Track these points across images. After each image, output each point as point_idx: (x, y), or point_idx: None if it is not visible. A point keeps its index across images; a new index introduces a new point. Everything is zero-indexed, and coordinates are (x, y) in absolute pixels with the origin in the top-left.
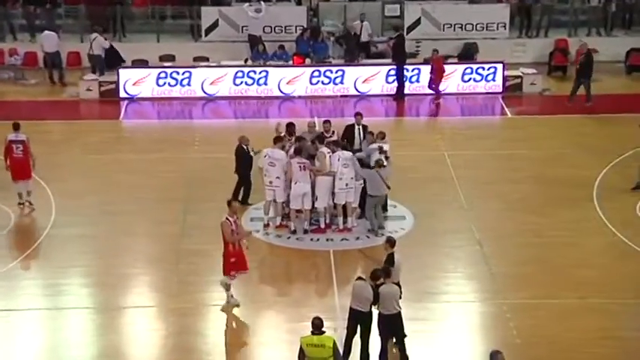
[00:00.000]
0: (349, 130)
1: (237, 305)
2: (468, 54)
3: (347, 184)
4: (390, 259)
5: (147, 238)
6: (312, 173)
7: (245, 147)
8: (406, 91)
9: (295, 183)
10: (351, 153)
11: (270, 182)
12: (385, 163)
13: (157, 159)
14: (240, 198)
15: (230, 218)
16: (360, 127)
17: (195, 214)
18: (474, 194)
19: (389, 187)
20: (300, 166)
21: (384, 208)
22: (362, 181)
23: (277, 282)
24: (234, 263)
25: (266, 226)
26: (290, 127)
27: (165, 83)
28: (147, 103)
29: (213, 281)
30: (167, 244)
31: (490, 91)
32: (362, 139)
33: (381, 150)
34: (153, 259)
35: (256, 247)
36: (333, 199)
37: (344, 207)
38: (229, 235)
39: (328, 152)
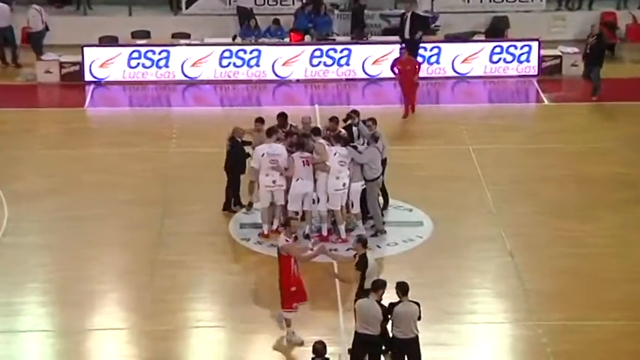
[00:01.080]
0: (346, 131)
1: (301, 344)
2: (497, 30)
3: (344, 184)
4: (363, 262)
5: (117, 248)
6: (314, 168)
7: (240, 140)
8: (423, 73)
9: (297, 180)
10: (347, 150)
11: (274, 182)
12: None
13: (128, 154)
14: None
15: (290, 240)
16: (358, 126)
17: (175, 219)
18: (503, 196)
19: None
20: (303, 161)
21: (385, 200)
22: (363, 182)
23: (271, 299)
24: (294, 293)
25: (265, 236)
26: (281, 118)
27: (138, 64)
28: (117, 88)
29: (194, 299)
30: (141, 254)
31: (523, 73)
32: (359, 139)
33: (366, 122)
34: (124, 272)
35: (247, 259)
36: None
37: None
38: (302, 256)
39: (327, 144)
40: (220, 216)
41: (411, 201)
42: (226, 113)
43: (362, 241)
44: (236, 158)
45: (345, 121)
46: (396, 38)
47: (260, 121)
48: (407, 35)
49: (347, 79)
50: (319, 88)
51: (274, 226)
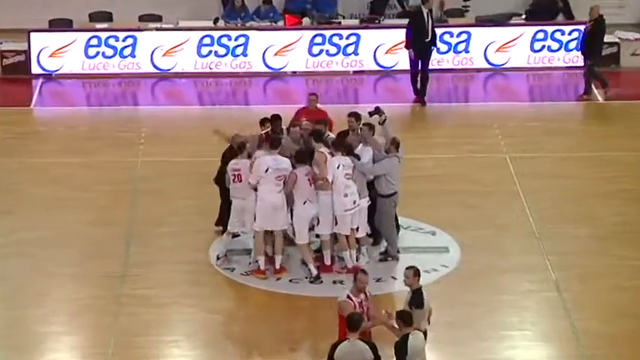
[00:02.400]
0: (342, 137)
1: None
2: (540, 11)
3: (355, 202)
4: (418, 298)
5: (72, 280)
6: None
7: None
8: (449, 64)
9: (305, 203)
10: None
11: (283, 200)
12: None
13: (86, 164)
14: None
15: (354, 298)
16: (362, 132)
17: (143, 245)
18: (548, 215)
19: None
20: (309, 180)
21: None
22: (368, 198)
23: (262, 344)
24: None
25: (260, 272)
26: (275, 121)
27: (97, 54)
28: (71, 83)
29: (166, 343)
30: (102, 288)
31: (572, 64)
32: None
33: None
34: (81, 310)
35: (232, 293)
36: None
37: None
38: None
39: (329, 153)
40: (199, 240)
41: (434, 222)
42: (207, 114)
43: (416, 272)
44: None
45: (370, 115)
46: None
47: (268, 122)
48: (429, 37)
49: (355, 72)
50: (321, 82)
51: (277, 264)
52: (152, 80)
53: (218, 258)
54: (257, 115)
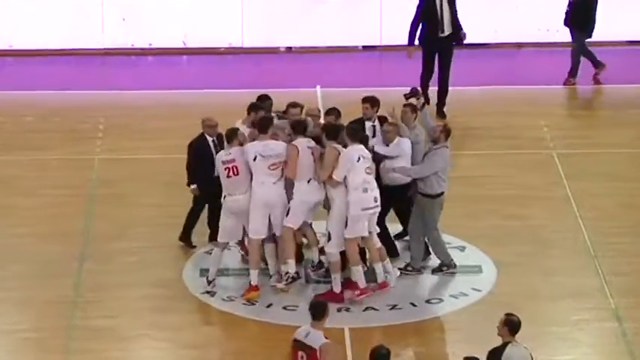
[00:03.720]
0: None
1: None
2: None
3: (376, 199)
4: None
5: (12, 307)
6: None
7: (211, 140)
8: (480, 38)
9: (308, 181)
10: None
11: (283, 194)
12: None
13: (30, 163)
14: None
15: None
16: (375, 121)
17: (100, 263)
18: (606, 229)
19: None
20: (312, 154)
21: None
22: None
23: None
24: None
25: (253, 289)
26: (264, 101)
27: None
28: (13, 61)
29: None
30: (48, 316)
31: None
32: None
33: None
34: (21, 345)
35: (212, 323)
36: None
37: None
38: None
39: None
40: (170, 257)
41: (464, 234)
42: (180, 99)
43: (512, 326)
44: (203, 166)
45: (406, 99)
46: None
47: (265, 99)
48: (445, 30)
49: (365, 47)
50: (321, 60)
51: (273, 281)
52: (114, 57)
53: (209, 282)
54: (245, 100)
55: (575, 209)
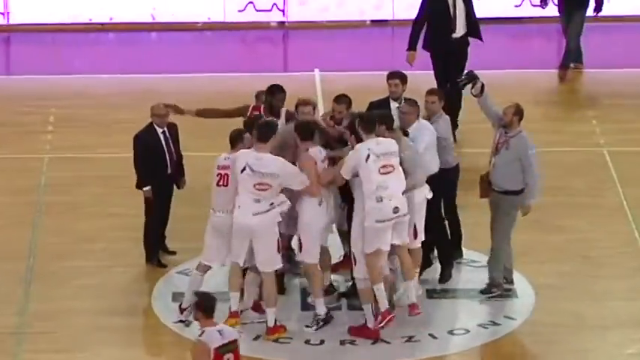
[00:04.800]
0: (380, 109)
1: None
2: None
3: (396, 210)
4: None
5: None
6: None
7: (161, 131)
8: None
9: (320, 203)
10: (393, 142)
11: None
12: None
13: None
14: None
15: None
16: (402, 102)
17: (50, 286)
18: None
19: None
20: (325, 167)
21: (457, 240)
22: (428, 188)
23: None
24: None
25: (232, 316)
26: (275, 94)
27: None
28: None
29: None
30: None
31: None
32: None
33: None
34: None
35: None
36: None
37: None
38: None
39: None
40: (136, 279)
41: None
42: (147, 85)
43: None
44: (150, 164)
45: (462, 86)
46: None
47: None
48: (460, 31)
49: (373, 22)
50: (321, 38)
51: (271, 320)
52: (66, 35)
53: (182, 310)
54: (229, 87)
55: (630, 220)
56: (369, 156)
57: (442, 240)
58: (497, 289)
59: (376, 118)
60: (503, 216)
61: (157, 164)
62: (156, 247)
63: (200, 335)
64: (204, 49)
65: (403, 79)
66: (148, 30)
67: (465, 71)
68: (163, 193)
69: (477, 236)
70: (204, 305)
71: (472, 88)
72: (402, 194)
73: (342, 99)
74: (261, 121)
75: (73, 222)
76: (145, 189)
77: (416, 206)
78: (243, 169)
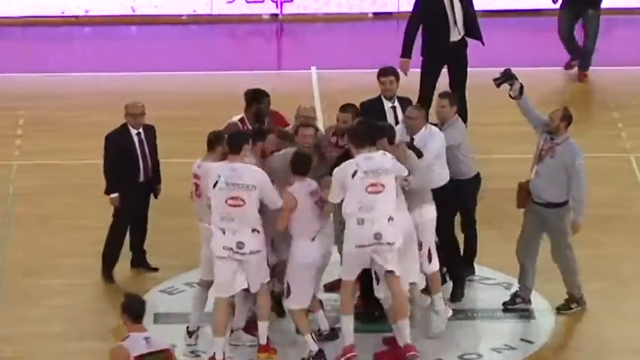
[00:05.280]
0: (371, 109)
1: None
2: None
3: (378, 237)
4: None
5: None
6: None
7: (135, 133)
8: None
9: (313, 239)
10: (388, 158)
11: (239, 244)
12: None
13: None
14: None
15: None
16: (395, 102)
17: (16, 306)
18: None
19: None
20: (316, 203)
21: (471, 255)
22: (433, 208)
23: None
24: None
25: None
26: (260, 99)
27: None
28: None
29: None
30: None
31: None
32: (397, 124)
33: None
34: None
35: None
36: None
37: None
38: None
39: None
40: (108, 298)
41: (510, 267)
42: (127, 84)
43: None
44: (124, 168)
45: (498, 85)
46: None
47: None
48: (458, 35)
49: (375, 14)
50: (319, 32)
51: (263, 338)
52: (35, 29)
53: (189, 334)
54: (217, 87)
55: None
56: (355, 172)
57: (454, 256)
58: (578, 304)
59: (370, 131)
60: (556, 233)
61: (129, 169)
62: (113, 261)
63: (123, 340)
64: (190, 44)
65: (397, 75)
66: (128, 23)
67: (505, 68)
68: (135, 202)
69: (486, 251)
70: (132, 309)
71: (510, 89)
72: (389, 221)
73: (348, 108)
74: (230, 131)
75: (43, 235)
76: (111, 196)
77: (427, 224)
78: (215, 183)
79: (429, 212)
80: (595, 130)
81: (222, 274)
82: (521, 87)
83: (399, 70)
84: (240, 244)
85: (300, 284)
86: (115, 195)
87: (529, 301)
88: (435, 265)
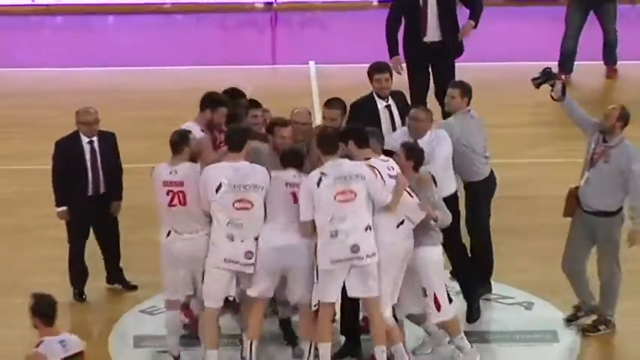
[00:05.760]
0: (363, 110)
1: None
2: None
3: (355, 249)
4: None
5: None
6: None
7: (87, 141)
8: None
9: (273, 223)
10: (358, 164)
11: (248, 253)
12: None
13: None
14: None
15: None
16: (389, 100)
17: None
18: None
19: (435, 220)
20: (293, 193)
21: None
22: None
23: None
24: None
25: None
26: (234, 98)
27: None
28: None
29: None
30: None
31: None
32: (394, 125)
33: None
34: None
35: None
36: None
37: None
38: None
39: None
40: (83, 320)
41: (533, 285)
42: (103, 80)
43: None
44: (74, 180)
45: (537, 85)
46: None
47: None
48: (432, 35)
49: (380, 2)
50: (318, 22)
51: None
52: (6, 20)
53: (176, 359)
54: (205, 84)
55: None
56: (320, 180)
57: (465, 269)
58: (607, 326)
59: (340, 135)
60: (605, 244)
61: (77, 181)
62: (80, 279)
63: (37, 346)
64: (174, 36)
65: (392, 72)
66: (104, 13)
67: (544, 67)
68: (90, 216)
69: (501, 267)
70: (42, 310)
71: (551, 90)
72: (367, 230)
73: (335, 103)
74: (231, 126)
75: (15, 248)
76: (58, 209)
77: (429, 267)
78: (218, 187)
79: (432, 253)
80: (637, 132)
81: (216, 285)
82: (564, 87)
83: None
84: (249, 254)
85: (266, 271)
86: (62, 208)
87: (594, 314)
88: (445, 314)
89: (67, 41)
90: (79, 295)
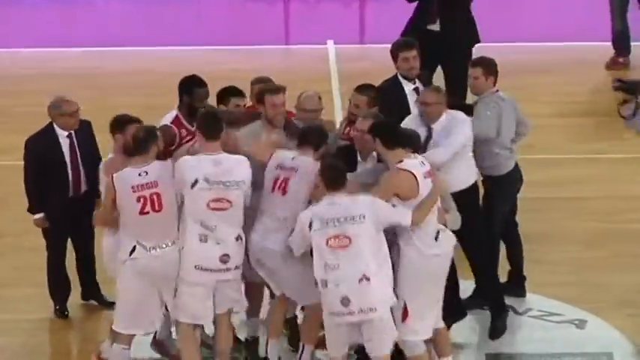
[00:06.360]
0: (389, 94)
1: None
2: None
3: (345, 301)
4: None
5: None
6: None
7: (65, 135)
8: None
9: (259, 223)
10: (357, 204)
11: (224, 257)
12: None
13: None
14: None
15: None
16: (416, 82)
17: None
18: None
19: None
20: (280, 183)
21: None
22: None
23: None
24: None
25: None
26: (192, 88)
27: None
28: None
29: None
30: None
31: None
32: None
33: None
34: None
35: None
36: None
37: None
38: None
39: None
40: (63, 339)
41: (584, 299)
42: (90, 63)
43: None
44: (49, 180)
45: (615, 88)
46: None
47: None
48: (434, 22)
49: None
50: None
51: None
52: None
53: None
54: (207, 67)
55: None
56: (312, 222)
57: (492, 276)
58: None
59: (371, 131)
60: None
61: (55, 183)
62: (62, 293)
63: None
64: (174, 13)
65: (419, 49)
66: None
67: (616, 78)
68: (70, 222)
69: (546, 279)
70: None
71: (622, 105)
72: (361, 282)
73: (365, 89)
74: (205, 111)
75: None
76: (35, 217)
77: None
78: (195, 182)
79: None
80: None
81: (189, 298)
82: (637, 107)
83: None
84: (225, 257)
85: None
86: (39, 216)
87: None
88: (411, 332)
89: (45, 18)
90: (61, 311)
